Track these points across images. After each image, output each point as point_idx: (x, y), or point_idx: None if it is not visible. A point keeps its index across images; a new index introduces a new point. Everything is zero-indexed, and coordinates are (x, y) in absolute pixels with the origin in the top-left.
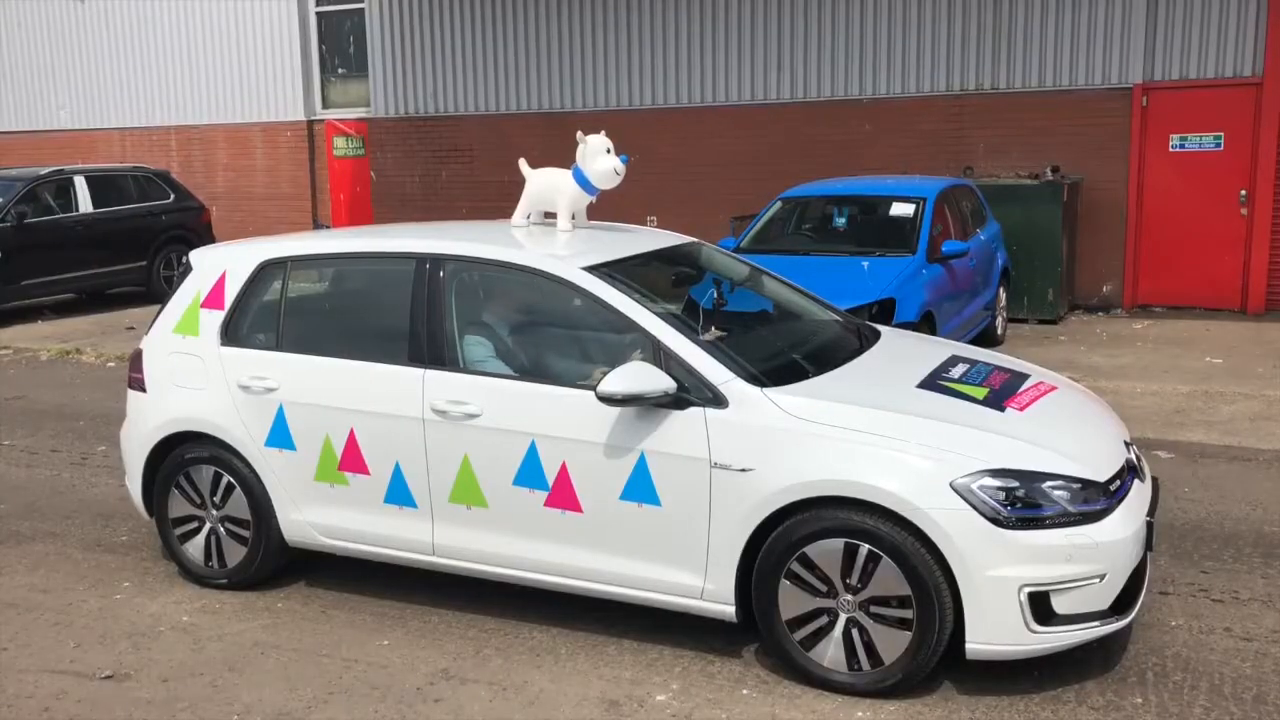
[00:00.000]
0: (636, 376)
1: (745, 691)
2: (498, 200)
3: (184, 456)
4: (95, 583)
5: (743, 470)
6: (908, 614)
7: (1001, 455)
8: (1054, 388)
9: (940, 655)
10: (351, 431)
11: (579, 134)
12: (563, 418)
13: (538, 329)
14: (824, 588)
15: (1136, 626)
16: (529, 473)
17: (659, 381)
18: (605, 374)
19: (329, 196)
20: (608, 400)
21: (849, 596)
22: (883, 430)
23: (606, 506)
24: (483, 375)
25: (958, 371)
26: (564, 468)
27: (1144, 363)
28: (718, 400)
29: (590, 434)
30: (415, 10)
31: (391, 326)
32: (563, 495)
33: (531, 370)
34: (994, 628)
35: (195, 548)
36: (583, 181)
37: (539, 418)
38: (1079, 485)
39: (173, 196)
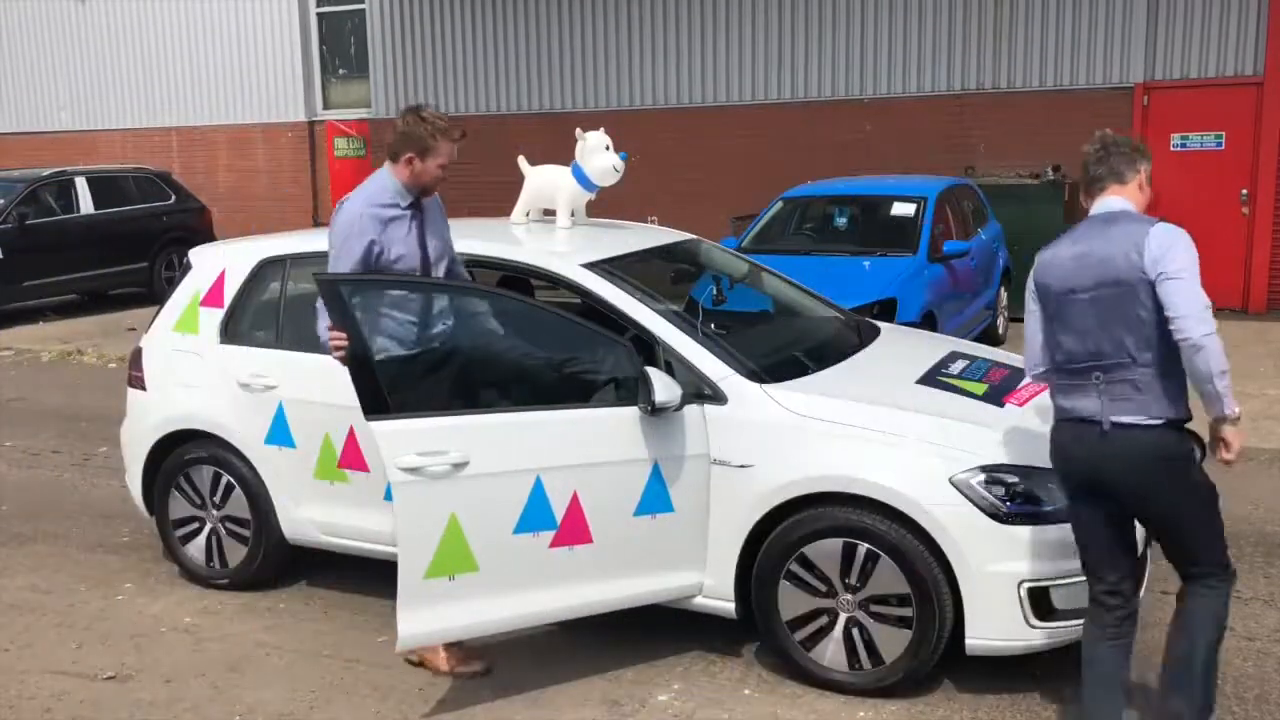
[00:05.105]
0: (667, 380)
1: (747, 691)
2: (498, 199)
3: (184, 458)
4: (97, 584)
5: (742, 466)
6: (907, 612)
7: (1001, 451)
8: None
9: (941, 653)
10: (351, 429)
11: (578, 131)
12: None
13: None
14: (823, 588)
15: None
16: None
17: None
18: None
19: (330, 197)
20: (662, 410)
21: (848, 596)
22: (882, 426)
23: (619, 527)
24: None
25: (957, 367)
26: (575, 497)
27: None
28: (717, 396)
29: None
30: (416, 11)
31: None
32: (573, 528)
33: (531, 385)
34: (994, 623)
35: (196, 549)
36: (581, 178)
37: (541, 448)
38: None
39: (174, 197)
